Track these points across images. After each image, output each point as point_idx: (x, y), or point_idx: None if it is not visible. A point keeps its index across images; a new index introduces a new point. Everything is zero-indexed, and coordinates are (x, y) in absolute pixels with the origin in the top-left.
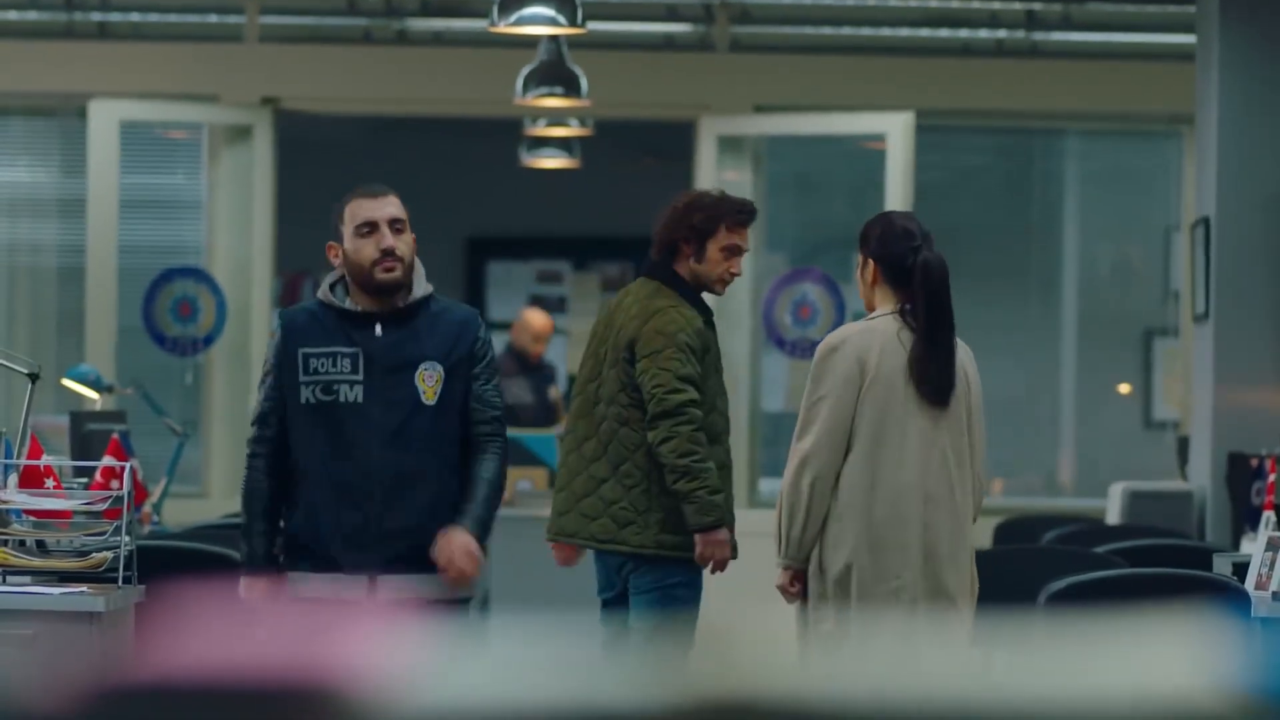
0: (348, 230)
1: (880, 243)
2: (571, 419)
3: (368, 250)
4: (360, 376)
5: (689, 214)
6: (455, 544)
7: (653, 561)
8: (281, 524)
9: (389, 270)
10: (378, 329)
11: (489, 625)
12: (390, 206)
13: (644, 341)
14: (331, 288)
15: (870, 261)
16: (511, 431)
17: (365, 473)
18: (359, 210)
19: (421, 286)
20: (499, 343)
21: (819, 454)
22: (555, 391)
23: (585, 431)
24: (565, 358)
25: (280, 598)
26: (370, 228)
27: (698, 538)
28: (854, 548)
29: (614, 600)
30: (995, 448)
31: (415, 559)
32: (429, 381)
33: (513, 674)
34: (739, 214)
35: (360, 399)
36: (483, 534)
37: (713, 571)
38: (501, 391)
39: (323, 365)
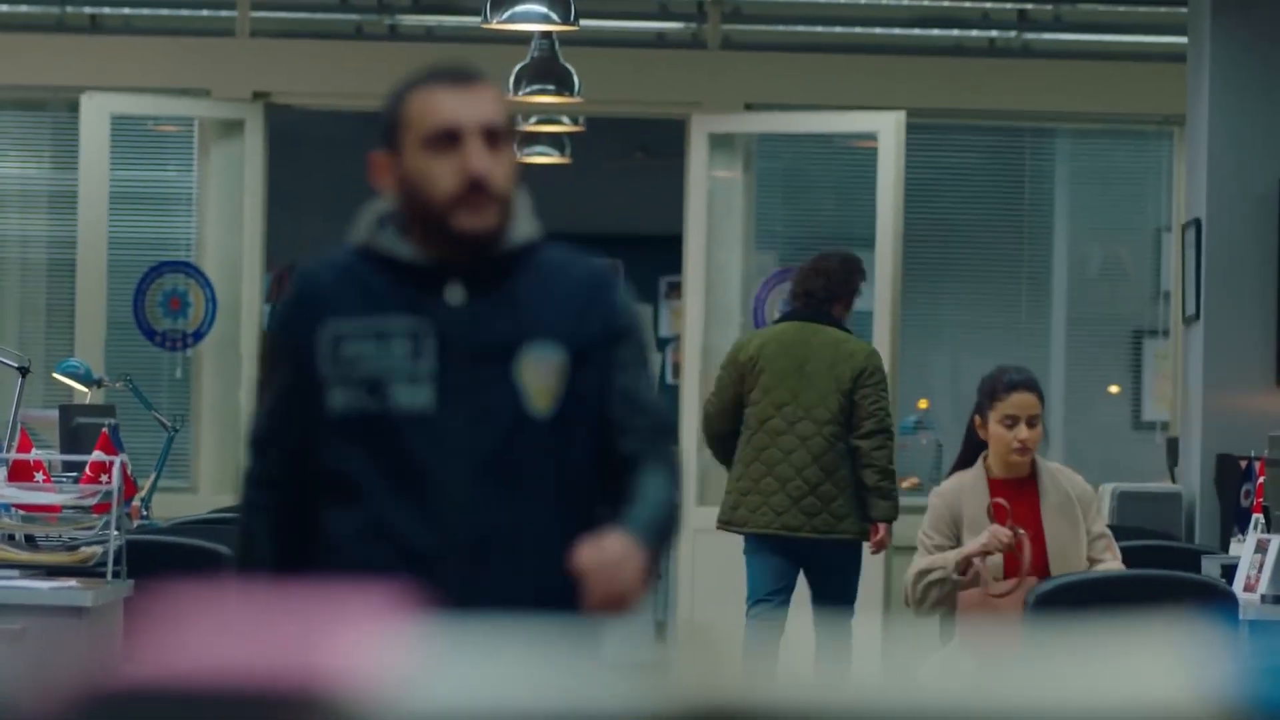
0: (410, 138)
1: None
2: (765, 435)
3: (444, 177)
4: (429, 368)
5: (856, 276)
6: (609, 549)
7: (854, 546)
8: None
9: (477, 213)
10: (456, 291)
11: (480, 629)
12: (486, 102)
13: (869, 373)
14: (379, 226)
15: None
16: None
17: (440, 526)
18: (433, 106)
19: (526, 225)
20: None
21: None
22: None
23: (789, 446)
24: None
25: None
26: (450, 138)
27: (882, 526)
28: None
29: (773, 597)
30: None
31: None
32: (541, 376)
33: (501, 678)
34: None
35: (430, 405)
36: (654, 546)
37: (874, 553)
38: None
39: (366, 350)
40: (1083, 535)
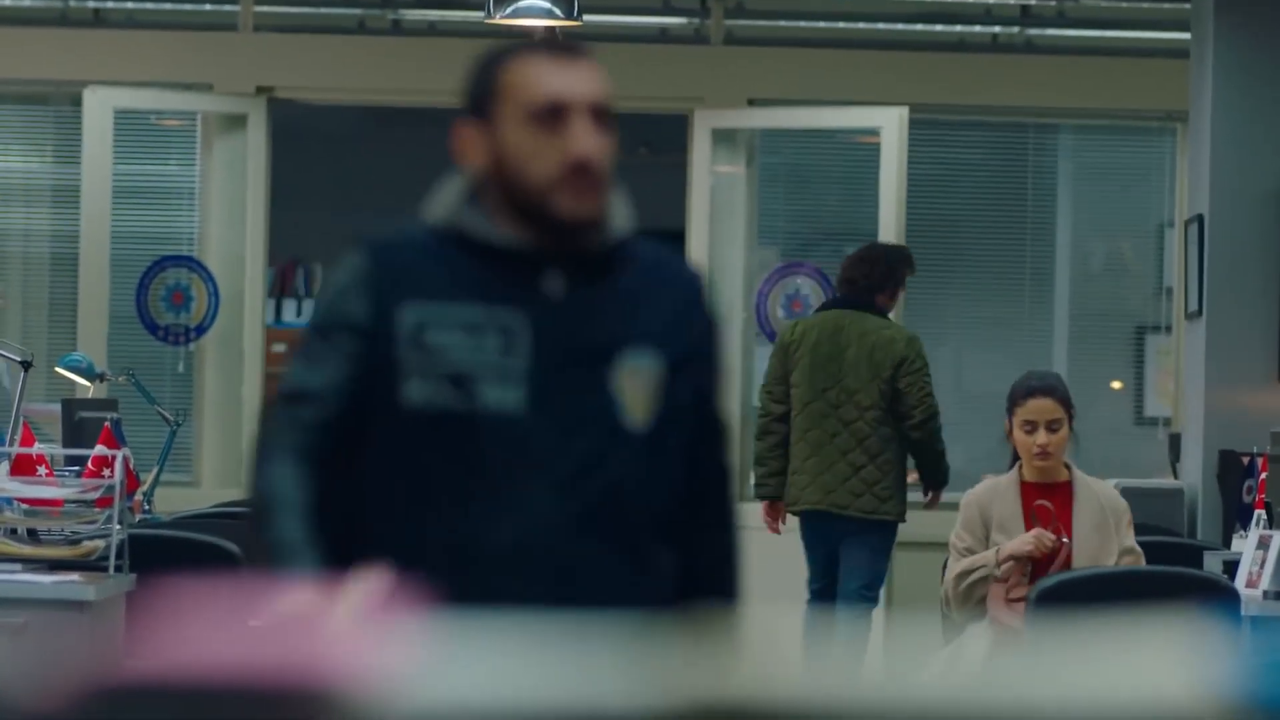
0: (508, 110)
1: None
2: (809, 419)
3: (547, 157)
4: (522, 367)
5: (901, 266)
6: None
7: (892, 528)
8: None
9: (579, 197)
10: (555, 283)
11: (481, 625)
12: (593, 79)
13: (910, 360)
14: (463, 203)
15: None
16: None
17: (524, 547)
18: (539, 78)
19: (623, 217)
20: None
21: None
22: None
23: (834, 429)
24: None
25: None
26: (555, 114)
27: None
28: None
29: (827, 583)
30: (986, 443)
31: None
32: (640, 385)
33: (505, 674)
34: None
35: (520, 408)
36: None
37: (927, 508)
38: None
39: (454, 341)
40: (1114, 549)
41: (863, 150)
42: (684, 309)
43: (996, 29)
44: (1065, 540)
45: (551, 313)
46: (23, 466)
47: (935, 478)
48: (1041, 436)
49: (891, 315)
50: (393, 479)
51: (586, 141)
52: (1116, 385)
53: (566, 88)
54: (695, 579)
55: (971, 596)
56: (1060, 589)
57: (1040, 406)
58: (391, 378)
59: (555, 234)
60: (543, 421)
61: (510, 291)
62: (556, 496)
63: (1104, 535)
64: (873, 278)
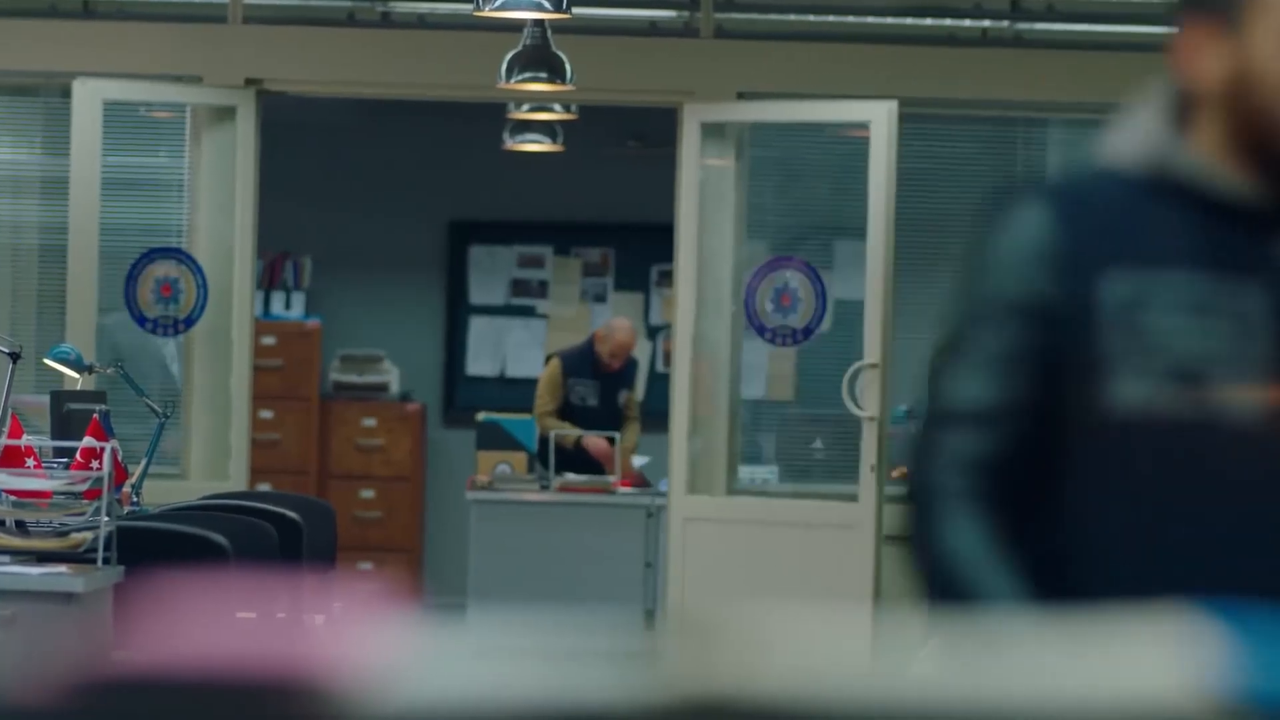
0: (1272, 18)
1: None
2: None
3: None
4: (1263, 357)
5: None
6: None
7: None
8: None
9: None
10: None
11: (470, 619)
12: None
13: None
14: (1176, 140)
15: None
16: (490, 415)
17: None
18: None
19: None
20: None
21: None
22: (627, 395)
23: None
24: (545, 344)
25: None
26: None
27: None
28: None
29: None
30: None
31: None
32: None
33: (494, 669)
34: None
35: (1264, 411)
36: None
37: None
38: None
39: (1180, 325)
40: None
41: (852, 144)
42: None
43: (986, 23)
44: None
45: None
46: (11, 458)
47: None
48: None
49: (882, 310)
50: (1100, 510)
51: None
52: None
53: None
54: None
55: None
56: None
57: None
58: (1091, 373)
59: None
60: None
61: (1240, 259)
62: None
63: None
64: None
